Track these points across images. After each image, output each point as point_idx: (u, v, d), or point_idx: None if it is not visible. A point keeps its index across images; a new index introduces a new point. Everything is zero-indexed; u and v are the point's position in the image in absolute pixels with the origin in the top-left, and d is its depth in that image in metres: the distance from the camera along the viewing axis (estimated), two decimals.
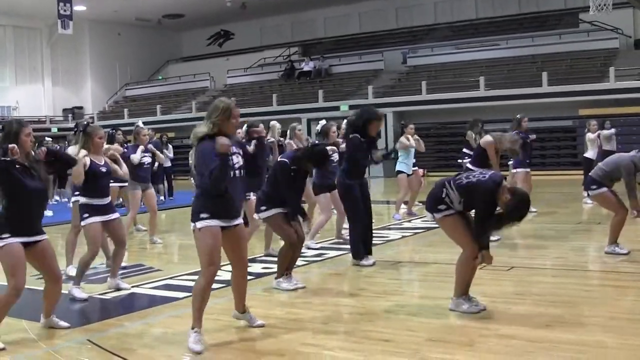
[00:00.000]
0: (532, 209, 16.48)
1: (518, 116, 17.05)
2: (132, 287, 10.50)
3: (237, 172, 7.24)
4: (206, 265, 7.15)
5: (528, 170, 16.91)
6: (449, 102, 34.38)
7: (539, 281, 9.99)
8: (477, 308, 8.01)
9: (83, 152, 9.81)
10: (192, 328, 7.15)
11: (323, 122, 13.96)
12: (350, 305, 8.85)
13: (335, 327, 7.96)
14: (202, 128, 7.22)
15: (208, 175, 7.02)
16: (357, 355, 6.76)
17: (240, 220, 7.43)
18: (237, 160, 7.26)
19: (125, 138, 17.96)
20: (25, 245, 7.65)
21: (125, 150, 14.59)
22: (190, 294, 9.18)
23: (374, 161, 11.67)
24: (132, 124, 17.82)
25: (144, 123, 15.31)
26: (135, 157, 14.05)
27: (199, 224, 7.12)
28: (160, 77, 55.91)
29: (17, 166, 7.59)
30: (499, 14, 43.82)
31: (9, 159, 7.53)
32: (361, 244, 11.29)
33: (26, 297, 8.60)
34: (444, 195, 8.11)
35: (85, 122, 10.17)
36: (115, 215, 10.16)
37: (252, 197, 11.63)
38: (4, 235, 7.53)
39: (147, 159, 14.34)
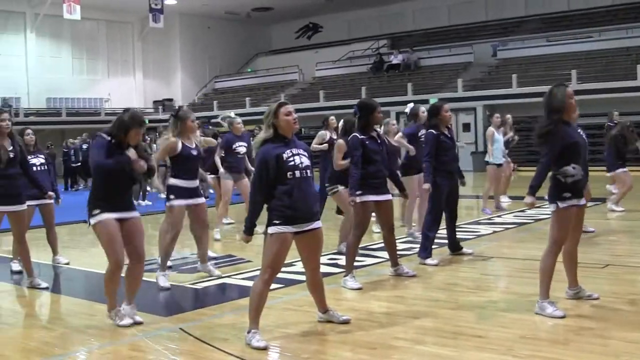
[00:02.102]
0: (618, 208, 16.29)
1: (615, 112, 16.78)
2: (224, 276, 10.64)
3: (303, 172, 7.19)
4: (266, 267, 7.17)
5: (625, 169, 16.46)
6: (540, 95, 33.30)
7: (636, 280, 9.84)
8: (561, 313, 7.82)
9: (172, 139, 9.98)
10: (249, 332, 7.14)
11: (411, 104, 13.91)
12: (442, 299, 8.80)
13: (427, 321, 7.92)
14: (260, 134, 7.30)
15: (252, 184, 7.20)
16: (450, 351, 6.72)
17: (317, 224, 7.38)
18: (302, 160, 7.22)
19: (217, 131, 18.15)
20: (117, 220, 7.87)
21: (220, 139, 14.78)
22: (282, 285, 9.36)
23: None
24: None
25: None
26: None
27: (271, 230, 7.13)
28: (250, 70, 56.26)
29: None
30: (592, 6, 42.94)
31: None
32: (428, 243, 11.20)
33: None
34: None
35: (177, 107, 10.34)
36: (201, 200, 10.37)
37: (341, 189, 11.60)
38: (95, 212, 7.72)
39: (242, 149, 14.38)
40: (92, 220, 7.86)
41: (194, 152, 10.13)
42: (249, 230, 7.20)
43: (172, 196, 10.10)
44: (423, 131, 13.02)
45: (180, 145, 9.99)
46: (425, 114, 13.21)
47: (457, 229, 11.83)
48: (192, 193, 10.17)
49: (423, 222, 11.60)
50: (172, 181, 10.13)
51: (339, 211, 12.49)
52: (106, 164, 7.78)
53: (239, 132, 14.44)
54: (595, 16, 42.02)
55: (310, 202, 7.26)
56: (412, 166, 13.22)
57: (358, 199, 9.59)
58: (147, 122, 8.26)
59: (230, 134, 14.48)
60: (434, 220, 11.18)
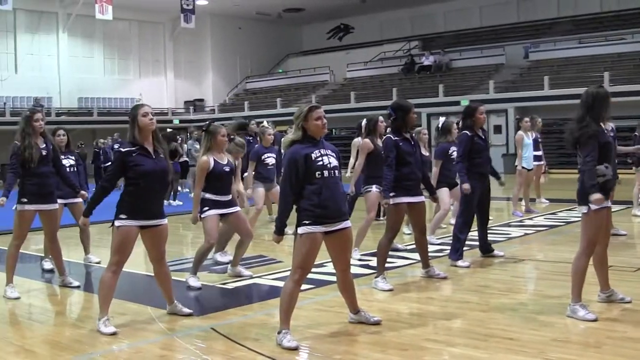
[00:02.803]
0: None
1: None
2: (254, 277, 10.67)
3: (331, 172, 7.20)
4: (296, 267, 7.17)
5: None
6: (572, 97, 33.17)
7: None
8: (593, 316, 7.76)
9: (203, 158, 10.00)
10: (280, 332, 7.14)
11: (443, 118, 13.86)
12: (473, 301, 8.76)
13: (459, 323, 7.91)
14: (290, 135, 7.32)
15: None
16: (481, 353, 6.69)
17: (347, 224, 7.36)
18: (330, 160, 7.22)
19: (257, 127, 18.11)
20: (142, 227, 7.92)
21: (250, 141, 14.79)
22: (313, 285, 9.36)
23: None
24: (251, 117, 17.97)
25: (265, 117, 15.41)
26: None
27: (301, 230, 7.14)
28: (281, 70, 56.34)
29: (133, 154, 7.82)
30: (624, 7, 42.60)
31: (127, 149, 7.83)
32: (459, 245, 11.16)
33: (152, 285, 8.82)
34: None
35: (207, 122, 10.35)
36: (236, 208, 10.36)
37: (375, 189, 11.59)
38: (122, 216, 7.76)
39: (272, 159, 14.32)
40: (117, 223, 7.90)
41: (226, 169, 10.13)
42: (280, 231, 7.22)
43: (205, 208, 10.12)
44: (453, 148, 13.02)
45: (212, 163, 9.99)
46: (456, 131, 13.23)
47: (488, 231, 11.78)
48: (226, 205, 10.18)
49: (454, 224, 11.54)
50: (207, 195, 10.12)
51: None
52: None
53: (268, 143, 14.36)
54: (628, 17, 41.68)
55: (338, 202, 7.26)
56: (442, 180, 13.15)
57: (391, 201, 9.56)
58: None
59: (260, 145, 14.44)
60: (465, 223, 11.14)
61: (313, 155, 7.12)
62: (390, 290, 9.43)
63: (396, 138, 9.69)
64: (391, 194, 9.54)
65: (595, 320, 7.57)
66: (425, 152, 13.39)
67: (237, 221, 10.37)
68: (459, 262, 10.97)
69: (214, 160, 10.00)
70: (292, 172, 7.09)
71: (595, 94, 7.86)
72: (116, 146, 32.24)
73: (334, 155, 7.31)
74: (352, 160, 13.94)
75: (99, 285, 8.05)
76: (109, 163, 31.52)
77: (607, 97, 7.87)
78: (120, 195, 7.93)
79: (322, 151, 7.21)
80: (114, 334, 7.67)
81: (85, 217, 8.13)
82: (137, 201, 7.85)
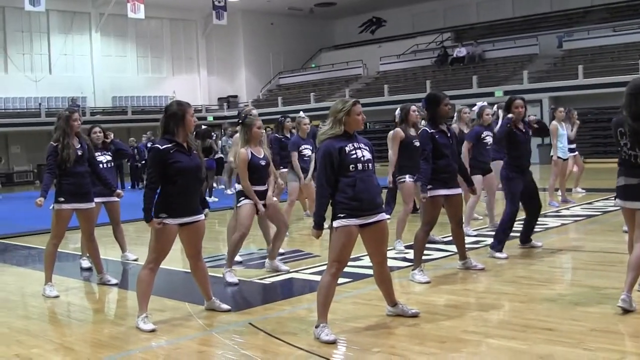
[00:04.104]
0: None
1: None
2: (291, 271, 10.69)
3: (365, 165, 7.21)
4: (332, 261, 7.18)
5: None
6: (607, 86, 33.30)
7: None
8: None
9: (242, 151, 10.05)
10: (317, 326, 7.15)
11: (479, 104, 13.77)
12: (511, 293, 8.73)
13: (497, 314, 7.90)
14: (327, 128, 7.30)
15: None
16: (520, 344, 6.66)
17: (382, 216, 7.35)
18: (363, 154, 7.23)
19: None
20: (180, 225, 7.96)
21: (288, 138, 14.82)
22: (350, 279, 9.38)
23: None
24: (285, 112, 17.96)
25: (303, 111, 15.39)
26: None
27: (336, 224, 7.15)
28: (313, 65, 56.35)
29: (171, 150, 7.84)
30: None
31: (165, 146, 7.83)
32: (504, 236, 11.11)
33: (189, 281, 8.86)
34: None
35: (244, 114, 10.34)
36: (272, 200, 10.38)
37: (408, 179, 11.58)
38: (161, 215, 7.81)
39: (308, 151, 14.33)
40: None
41: (262, 162, 10.17)
42: (319, 225, 7.22)
43: (242, 198, 10.17)
44: (487, 132, 13.00)
45: (249, 155, 10.06)
46: (490, 116, 13.20)
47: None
48: (262, 196, 10.22)
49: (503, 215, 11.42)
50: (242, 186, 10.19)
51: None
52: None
53: (304, 134, 14.39)
54: None
55: (373, 194, 7.27)
56: (476, 166, 13.08)
57: (429, 194, 9.54)
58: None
59: (297, 137, 14.45)
60: (511, 215, 11.07)
61: (347, 149, 7.14)
62: (428, 282, 9.41)
63: (432, 130, 9.66)
64: (428, 187, 9.52)
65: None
66: (466, 130, 13.38)
67: (274, 211, 10.41)
68: (498, 254, 10.92)
69: (251, 153, 10.06)
70: (327, 166, 7.10)
71: None
72: (149, 144, 32.59)
73: (367, 149, 7.32)
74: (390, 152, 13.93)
75: (136, 282, 8.10)
76: (144, 161, 31.94)
77: None
78: (159, 193, 7.96)
79: (356, 144, 7.23)
80: (152, 330, 7.72)
81: (149, 222, 8.04)
82: (176, 199, 7.87)
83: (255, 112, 10.54)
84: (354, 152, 7.16)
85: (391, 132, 12.31)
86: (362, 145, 7.28)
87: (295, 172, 14.15)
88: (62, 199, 9.83)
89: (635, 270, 7.59)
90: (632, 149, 7.60)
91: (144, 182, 32.60)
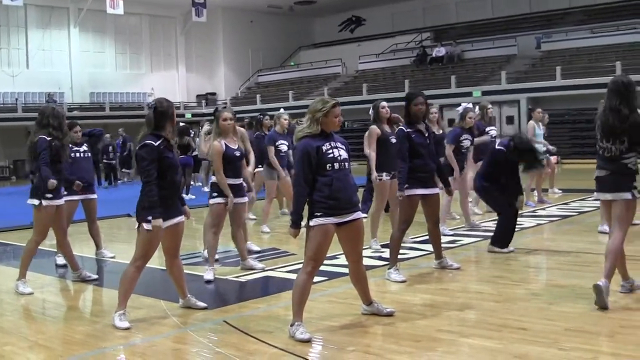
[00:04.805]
0: None
1: None
2: (267, 269, 10.68)
3: (341, 164, 7.20)
4: (309, 259, 7.19)
5: None
6: (585, 87, 33.48)
7: None
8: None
9: (215, 143, 10.12)
10: (292, 324, 7.14)
11: (464, 105, 13.76)
12: (487, 292, 8.76)
13: (472, 314, 7.91)
14: (305, 127, 7.28)
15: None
16: (495, 344, 6.68)
17: (358, 215, 7.34)
18: (340, 153, 7.22)
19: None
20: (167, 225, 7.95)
21: (265, 134, 14.83)
22: (325, 277, 9.38)
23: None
24: (264, 110, 17.95)
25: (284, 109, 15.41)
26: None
27: (313, 222, 7.14)
28: (292, 63, 56.35)
29: (162, 146, 7.89)
30: None
31: (158, 142, 7.85)
32: (509, 233, 11.21)
33: (164, 279, 8.85)
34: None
35: (217, 107, 10.44)
36: (243, 199, 10.47)
37: (385, 177, 11.57)
38: (148, 218, 7.76)
39: (284, 147, 14.34)
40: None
41: (237, 153, 10.21)
42: (296, 224, 7.21)
43: (214, 194, 10.19)
44: (466, 135, 13.04)
45: (223, 147, 10.08)
46: (472, 119, 13.25)
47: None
48: (236, 190, 10.22)
49: None
50: (215, 179, 10.20)
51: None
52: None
53: (282, 129, 14.39)
54: None
55: (349, 193, 7.27)
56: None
57: (405, 193, 9.55)
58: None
59: (274, 132, 14.44)
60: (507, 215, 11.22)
61: (324, 148, 7.13)
62: (404, 281, 9.42)
63: (408, 130, 9.67)
64: (405, 186, 9.53)
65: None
66: (437, 131, 13.37)
67: (238, 209, 10.42)
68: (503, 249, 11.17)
69: (225, 144, 10.08)
70: (305, 165, 7.08)
71: (628, 82, 7.99)
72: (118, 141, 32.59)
73: (344, 148, 7.33)
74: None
75: (121, 278, 8.04)
76: (113, 161, 31.86)
77: (634, 84, 8.01)
78: (142, 192, 7.91)
79: (333, 143, 7.23)
80: (127, 328, 7.69)
81: (145, 221, 7.93)
82: (166, 198, 7.87)
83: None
84: (330, 151, 7.15)
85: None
86: (338, 145, 7.27)
87: (272, 169, 14.16)
88: (50, 195, 9.80)
89: (610, 259, 7.79)
90: (601, 141, 7.88)
91: (119, 179, 32.69)
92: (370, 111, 11.89)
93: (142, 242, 7.91)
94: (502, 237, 11.22)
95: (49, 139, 9.76)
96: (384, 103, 11.73)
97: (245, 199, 10.57)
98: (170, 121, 7.99)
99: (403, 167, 9.62)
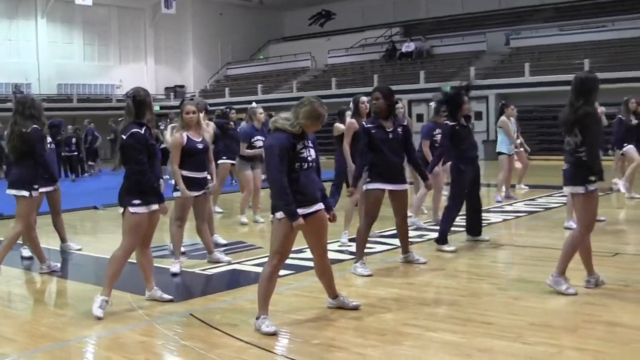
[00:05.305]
0: (635, 194, 16.38)
1: (625, 98, 16.88)
2: (233, 263, 10.68)
3: (310, 164, 7.22)
4: (274, 253, 7.20)
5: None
6: (553, 84, 33.58)
7: None
8: (573, 291, 8.00)
9: (177, 135, 10.17)
10: (258, 317, 7.14)
11: (437, 98, 13.81)
12: (452, 287, 8.80)
13: (437, 308, 7.96)
14: (286, 124, 7.23)
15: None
16: (460, 338, 6.71)
17: (319, 206, 7.35)
18: (310, 153, 7.25)
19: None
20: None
21: (239, 129, 14.81)
22: (291, 271, 9.39)
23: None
24: (232, 103, 17.93)
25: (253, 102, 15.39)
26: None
27: (279, 215, 7.14)
28: (261, 57, 56.27)
29: (147, 134, 8.06)
30: None
31: (144, 129, 8.01)
32: (449, 229, 11.24)
33: (131, 272, 8.81)
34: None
35: (182, 99, 10.46)
36: (203, 192, 10.45)
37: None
38: (135, 202, 7.84)
39: (260, 142, 14.31)
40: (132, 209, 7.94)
41: (200, 146, 10.22)
42: (294, 215, 7.08)
43: (179, 187, 10.16)
44: (438, 130, 13.05)
45: (185, 139, 10.09)
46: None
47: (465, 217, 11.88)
48: (197, 184, 10.22)
49: (445, 208, 11.50)
50: (182, 173, 10.17)
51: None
52: None
53: (259, 124, 14.33)
54: (608, 5, 41.81)
55: (314, 189, 7.31)
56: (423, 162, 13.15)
57: (365, 187, 9.58)
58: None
59: (250, 127, 14.36)
60: (455, 207, 11.19)
61: (298, 147, 7.15)
62: (370, 275, 9.45)
63: (369, 125, 9.67)
64: (367, 180, 9.56)
65: (575, 294, 7.94)
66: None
67: (200, 203, 10.45)
68: (445, 247, 11.00)
69: (187, 137, 10.10)
70: (283, 157, 7.03)
71: (585, 77, 8.20)
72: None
73: (313, 147, 7.36)
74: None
75: (109, 262, 8.09)
76: (76, 152, 31.57)
77: (597, 81, 8.21)
78: (128, 179, 8.00)
79: (306, 143, 7.24)
80: (100, 319, 7.67)
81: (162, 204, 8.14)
82: (147, 185, 7.95)
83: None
84: (303, 151, 7.18)
85: (337, 124, 12.38)
86: (310, 144, 7.31)
87: (245, 162, 14.18)
88: (37, 186, 9.85)
89: (564, 254, 8.17)
90: (564, 135, 8.14)
91: (86, 172, 32.49)
92: (350, 105, 11.90)
93: (129, 227, 7.99)
94: (445, 228, 11.27)
95: (40, 129, 9.87)
96: (364, 98, 11.70)
97: (206, 192, 10.53)
98: (149, 109, 8.18)
99: (358, 162, 9.66)
